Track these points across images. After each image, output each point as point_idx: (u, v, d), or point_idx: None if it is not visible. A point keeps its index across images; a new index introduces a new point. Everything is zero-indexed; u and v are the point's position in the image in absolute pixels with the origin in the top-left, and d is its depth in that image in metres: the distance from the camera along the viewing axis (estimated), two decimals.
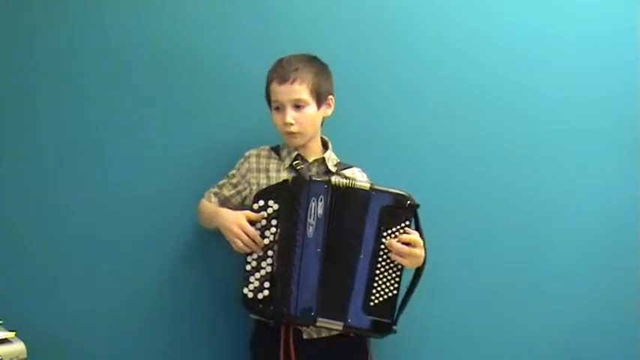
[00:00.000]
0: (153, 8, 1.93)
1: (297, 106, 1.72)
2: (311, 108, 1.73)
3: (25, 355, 1.51)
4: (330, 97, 1.79)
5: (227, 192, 1.82)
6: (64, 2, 1.89)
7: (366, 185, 1.67)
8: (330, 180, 1.67)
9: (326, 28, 2.00)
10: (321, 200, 1.65)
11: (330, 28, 2.01)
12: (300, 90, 1.71)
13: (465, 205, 2.05)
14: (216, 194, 1.83)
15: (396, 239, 1.65)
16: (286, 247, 1.66)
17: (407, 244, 1.64)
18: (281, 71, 1.73)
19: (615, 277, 2.10)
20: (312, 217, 1.65)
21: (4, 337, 1.51)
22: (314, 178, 1.68)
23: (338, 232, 1.66)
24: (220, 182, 1.84)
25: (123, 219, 1.90)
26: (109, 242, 1.89)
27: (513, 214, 2.07)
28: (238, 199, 1.81)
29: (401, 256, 1.65)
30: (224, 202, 1.81)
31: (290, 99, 1.71)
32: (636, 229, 2.13)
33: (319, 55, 1.79)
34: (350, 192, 1.66)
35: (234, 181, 1.82)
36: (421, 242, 1.67)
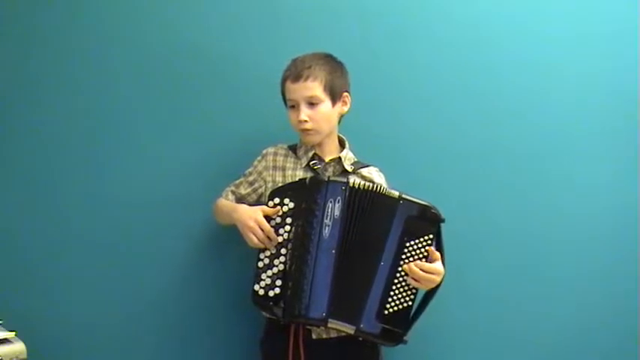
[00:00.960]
0: (156, 8, 1.93)
1: (312, 103, 1.72)
2: (325, 105, 1.73)
3: (25, 355, 1.51)
4: (346, 94, 1.78)
5: (243, 190, 1.82)
6: (65, 2, 1.89)
7: (395, 193, 1.66)
8: (348, 181, 1.66)
9: (334, 28, 2.01)
10: (338, 201, 1.64)
11: (338, 29, 2.01)
12: (314, 87, 1.71)
13: (464, 204, 2.04)
14: (233, 192, 1.83)
15: (416, 264, 1.63)
16: (301, 246, 1.65)
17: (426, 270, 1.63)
18: (294, 69, 1.73)
19: (615, 277, 2.10)
20: (328, 218, 1.64)
21: (4, 337, 1.51)
22: (332, 179, 1.68)
23: (357, 235, 1.65)
24: (237, 181, 1.84)
25: (125, 218, 1.90)
26: (110, 242, 1.89)
27: (513, 214, 2.07)
28: (254, 196, 1.81)
29: (417, 281, 1.64)
30: (240, 201, 1.81)
31: (303, 96, 1.71)
32: (636, 229, 2.13)
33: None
34: (373, 196, 1.66)
35: (250, 179, 1.82)
36: (442, 271, 1.65)
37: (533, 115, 2.09)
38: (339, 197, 1.65)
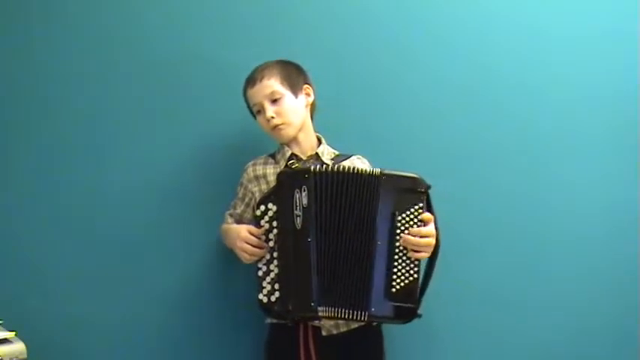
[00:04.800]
0: (153, 8, 1.93)
1: (274, 100, 1.75)
2: (288, 98, 1.76)
3: (25, 355, 1.51)
4: (306, 85, 1.81)
5: (239, 209, 1.84)
6: (63, 1, 1.89)
7: (376, 170, 1.65)
8: (309, 168, 1.65)
9: (328, 27, 2.01)
10: (304, 190, 1.63)
11: (332, 27, 2.01)
12: (271, 83, 1.75)
13: (464, 204, 2.04)
14: (231, 215, 1.85)
15: (409, 232, 1.64)
16: (282, 243, 1.66)
17: (422, 235, 1.65)
18: (249, 78, 1.79)
19: (615, 277, 2.10)
20: (298, 209, 1.63)
21: (4, 337, 1.51)
22: (294, 169, 1.69)
23: (337, 219, 1.63)
24: (233, 202, 1.86)
25: (126, 220, 1.90)
26: (111, 243, 1.89)
27: (513, 214, 2.07)
28: (249, 211, 1.82)
29: (417, 251, 1.65)
30: (240, 220, 1.83)
31: (264, 95, 1.75)
32: (636, 229, 2.12)
33: (322, 54, 1.83)
34: (350, 177, 1.64)
35: (240, 195, 1.85)
36: (434, 232, 1.67)
37: (532, 114, 2.10)
38: (304, 186, 1.63)
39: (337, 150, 1.85)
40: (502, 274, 2.06)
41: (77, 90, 1.89)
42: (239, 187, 1.85)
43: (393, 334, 1.83)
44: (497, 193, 2.07)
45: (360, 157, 1.84)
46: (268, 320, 1.78)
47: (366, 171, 1.65)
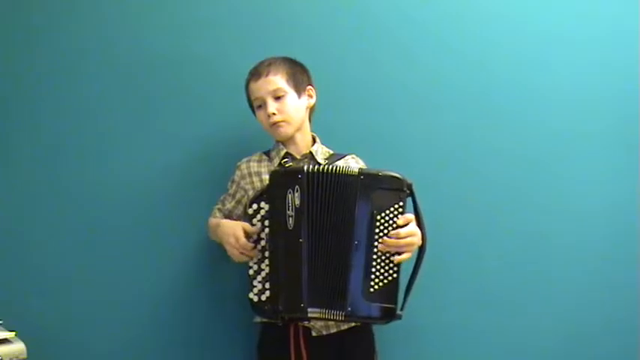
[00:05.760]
0: (152, 10, 1.93)
1: (277, 97, 1.75)
2: (291, 96, 1.75)
3: (25, 355, 1.51)
4: (310, 87, 1.81)
5: (229, 204, 1.84)
6: (64, 3, 1.89)
7: (354, 170, 1.65)
8: (302, 168, 1.65)
9: (328, 27, 2.02)
10: (297, 190, 1.63)
11: (332, 27, 2.02)
12: (276, 80, 1.74)
13: (464, 204, 2.04)
14: (220, 210, 1.85)
15: (387, 235, 1.62)
16: (274, 243, 1.66)
17: (400, 237, 1.63)
18: (255, 71, 1.78)
19: (615, 277, 2.10)
20: (290, 209, 1.63)
21: (4, 337, 1.51)
22: (287, 169, 1.68)
23: (325, 220, 1.63)
24: (222, 197, 1.86)
25: (124, 221, 1.90)
26: (110, 243, 1.89)
27: (513, 214, 2.07)
28: (240, 208, 1.82)
29: (399, 253, 1.63)
30: (229, 216, 1.82)
31: (268, 91, 1.74)
32: (636, 229, 2.13)
33: (321, 53, 1.84)
34: (335, 178, 1.63)
35: (231, 191, 1.84)
36: (417, 232, 1.66)
37: (532, 114, 2.10)
38: (297, 186, 1.63)
39: (334, 149, 1.85)
40: (501, 275, 2.06)
41: (77, 89, 1.89)
42: (230, 183, 1.84)
43: (386, 335, 1.83)
44: (496, 193, 2.07)
45: (354, 156, 1.84)
46: (257, 319, 1.78)
47: (347, 170, 1.64)
